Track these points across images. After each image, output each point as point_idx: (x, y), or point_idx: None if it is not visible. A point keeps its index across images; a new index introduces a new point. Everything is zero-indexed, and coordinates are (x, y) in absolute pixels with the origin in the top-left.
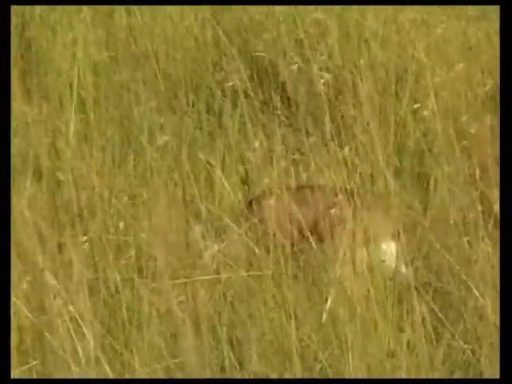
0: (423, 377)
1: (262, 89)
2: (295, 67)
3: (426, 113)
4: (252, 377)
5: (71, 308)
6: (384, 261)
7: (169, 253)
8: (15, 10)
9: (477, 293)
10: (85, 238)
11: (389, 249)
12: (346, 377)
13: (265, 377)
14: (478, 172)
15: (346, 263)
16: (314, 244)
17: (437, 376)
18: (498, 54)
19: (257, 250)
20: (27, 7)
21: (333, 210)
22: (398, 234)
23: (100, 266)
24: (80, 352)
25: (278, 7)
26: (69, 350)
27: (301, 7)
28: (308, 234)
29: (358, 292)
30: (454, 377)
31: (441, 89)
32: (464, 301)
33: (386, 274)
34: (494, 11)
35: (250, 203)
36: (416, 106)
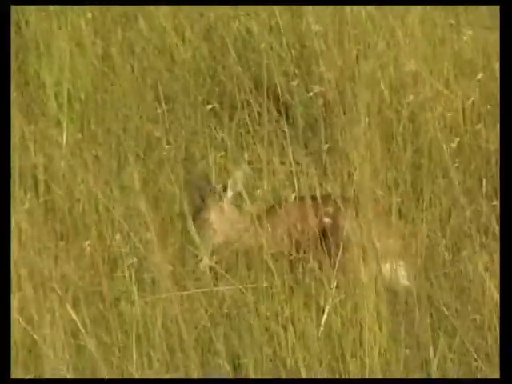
0: None
1: (260, 101)
2: (294, 83)
3: (422, 125)
4: None
5: (68, 320)
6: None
7: (165, 265)
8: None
9: (473, 306)
10: (81, 250)
11: (390, 265)
12: None
13: None
14: (474, 185)
15: (345, 276)
16: (311, 256)
17: None
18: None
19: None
20: (23, 18)
21: (327, 220)
22: (400, 249)
23: (96, 278)
24: (77, 363)
25: (276, 19)
26: (65, 362)
27: (299, 19)
28: (306, 245)
29: (357, 304)
30: None
31: (437, 101)
32: (462, 314)
33: (386, 287)
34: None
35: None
36: (412, 117)
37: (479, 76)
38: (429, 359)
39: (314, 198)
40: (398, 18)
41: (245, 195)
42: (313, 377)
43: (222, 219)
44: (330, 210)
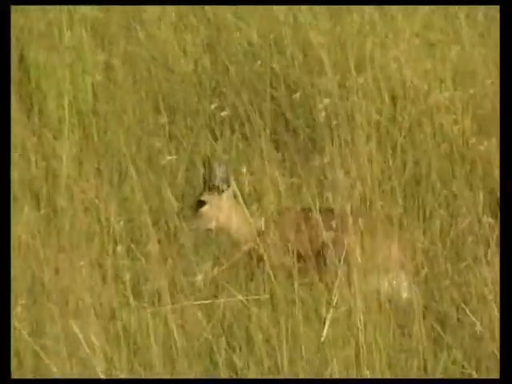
0: None
1: (261, 113)
2: (296, 95)
3: (422, 136)
4: None
5: (69, 332)
6: (385, 285)
7: (166, 277)
8: (13, 33)
9: (474, 318)
10: (82, 262)
11: (391, 276)
12: None
13: None
14: (474, 196)
15: (346, 288)
16: (312, 268)
17: None
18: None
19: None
20: (25, 29)
21: (328, 233)
22: (401, 261)
23: (97, 289)
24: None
25: (278, 30)
26: (66, 373)
27: (300, 30)
28: (307, 257)
29: (358, 316)
30: None
31: (438, 113)
32: (462, 324)
33: (387, 299)
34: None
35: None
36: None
37: (480, 87)
38: (429, 369)
39: (314, 210)
40: (399, 30)
41: (237, 191)
42: None
43: (219, 206)
44: (331, 221)
